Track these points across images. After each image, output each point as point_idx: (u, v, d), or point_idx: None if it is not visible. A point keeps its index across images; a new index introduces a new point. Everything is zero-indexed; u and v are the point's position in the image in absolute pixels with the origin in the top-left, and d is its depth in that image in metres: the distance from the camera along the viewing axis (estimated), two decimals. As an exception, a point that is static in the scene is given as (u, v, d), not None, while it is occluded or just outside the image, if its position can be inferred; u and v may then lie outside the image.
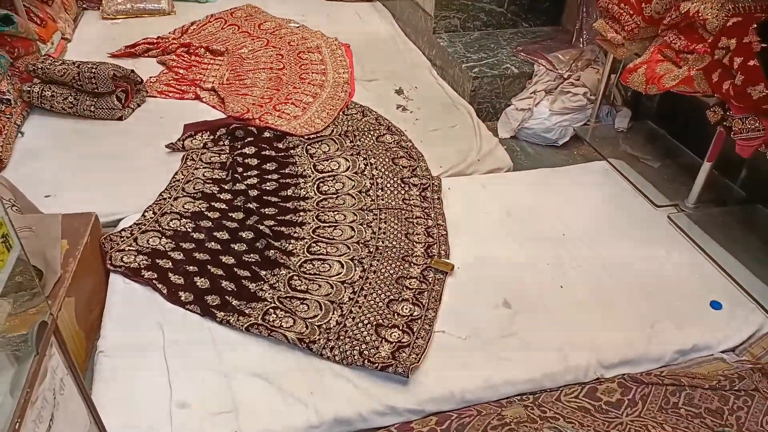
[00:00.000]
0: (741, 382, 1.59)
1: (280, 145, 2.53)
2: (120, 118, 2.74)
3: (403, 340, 1.65)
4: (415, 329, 1.69)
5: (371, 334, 1.66)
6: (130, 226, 2.02)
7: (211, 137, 2.57)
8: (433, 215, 2.15)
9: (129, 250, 1.91)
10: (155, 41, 3.47)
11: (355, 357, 1.58)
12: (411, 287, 1.84)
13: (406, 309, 1.76)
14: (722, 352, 1.71)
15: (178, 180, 2.30)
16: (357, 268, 1.91)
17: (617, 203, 2.30)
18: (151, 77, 3.12)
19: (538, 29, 3.51)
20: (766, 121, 1.74)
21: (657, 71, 2.11)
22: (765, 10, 1.79)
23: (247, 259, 1.93)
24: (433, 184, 2.31)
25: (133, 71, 2.83)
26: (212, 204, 2.17)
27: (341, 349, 1.60)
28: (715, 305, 1.84)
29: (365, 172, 2.37)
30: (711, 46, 1.85)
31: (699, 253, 2.05)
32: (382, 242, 2.02)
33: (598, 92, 2.80)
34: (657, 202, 2.29)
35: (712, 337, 1.73)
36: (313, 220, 2.12)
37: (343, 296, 1.80)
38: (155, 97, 2.97)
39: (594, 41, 2.81)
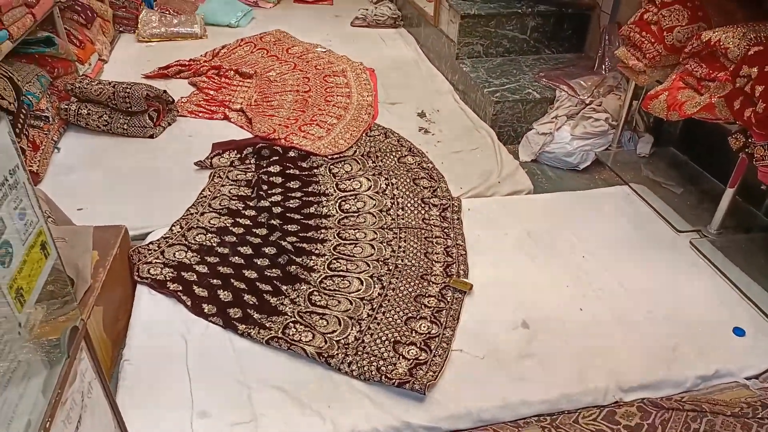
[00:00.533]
0: (764, 410, 1.56)
1: (304, 165, 2.59)
2: (151, 136, 2.84)
3: (421, 358, 1.66)
4: (432, 347, 1.70)
5: (389, 351, 1.68)
6: (158, 240, 2.08)
7: (238, 156, 2.64)
8: (452, 235, 2.18)
9: (156, 262, 1.97)
10: (187, 63, 3.60)
11: (373, 372, 1.60)
12: (429, 305, 1.86)
13: (424, 327, 1.78)
14: (745, 378, 1.69)
15: (205, 196, 2.37)
16: (376, 285, 1.93)
17: (639, 228, 2.30)
18: (182, 98, 3.23)
19: (560, 56, 3.55)
20: (788, 148, 1.73)
21: (678, 98, 2.12)
22: (787, 38, 1.80)
23: (269, 273, 1.98)
24: (453, 204, 2.33)
25: (165, 92, 2.94)
26: (237, 220, 2.23)
27: (359, 365, 1.62)
28: (738, 332, 1.82)
29: (386, 192, 2.41)
30: (732, 74, 1.86)
31: (722, 279, 2.03)
32: (402, 260, 2.05)
33: (619, 118, 2.81)
34: (679, 228, 2.28)
35: (734, 364, 1.71)
36: (334, 238, 2.16)
37: (362, 312, 1.82)
38: (186, 116, 3.07)
39: (616, 68, 2.83)
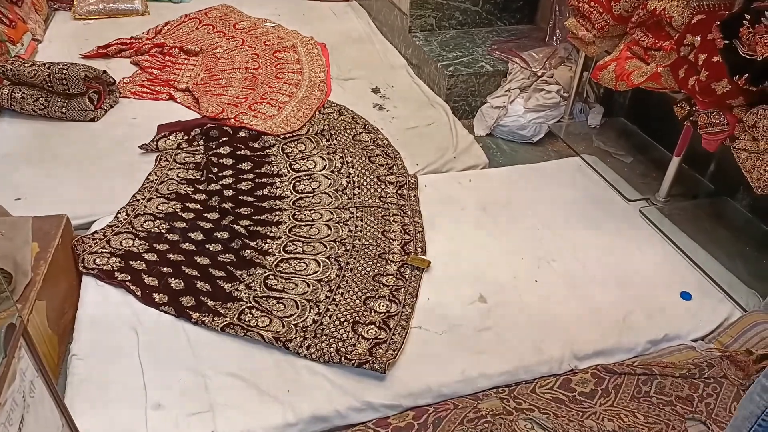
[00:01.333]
0: (710, 369, 1.63)
1: (256, 145, 2.52)
2: (92, 120, 2.70)
3: (380, 337, 1.66)
4: (392, 326, 1.70)
5: (348, 332, 1.67)
6: (103, 228, 2.00)
7: (186, 138, 2.55)
8: (409, 212, 2.16)
9: (102, 252, 1.89)
10: (128, 42, 3.43)
11: (332, 354, 1.58)
12: (388, 284, 1.85)
13: (383, 306, 1.77)
14: (692, 341, 1.75)
15: (152, 181, 2.28)
16: (333, 267, 1.91)
17: (590, 198, 2.34)
18: (124, 78, 3.08)
19: (512, 28, 3.55)
20: (730, 116, 1.78)
21: (626, 68, 2.15)
22: (728, 7, 1.84)
23: (222, 259, 1.92)
24: (409, 181, 2.32)
25: (105, 72, 2.80)
26: (186, 205, 2.16)
27: (318, 347, 1.61)
28: (685, 296, 1.88)
29: (342, 171, 2.37)
30: (677, 44, 1.89)
31: (670, 245, 2.09)
32: (359, 240, 2.03)
33: (571, 89, 2.84)
34: (629, 197, 2.34)
35: (682, 327, 1.77)
36: (289, 219, 2.12)
37: (320, 294, 1.80)
38: (128, 98, 2.93)
39: (566, 39, 2.85)
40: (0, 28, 2.92)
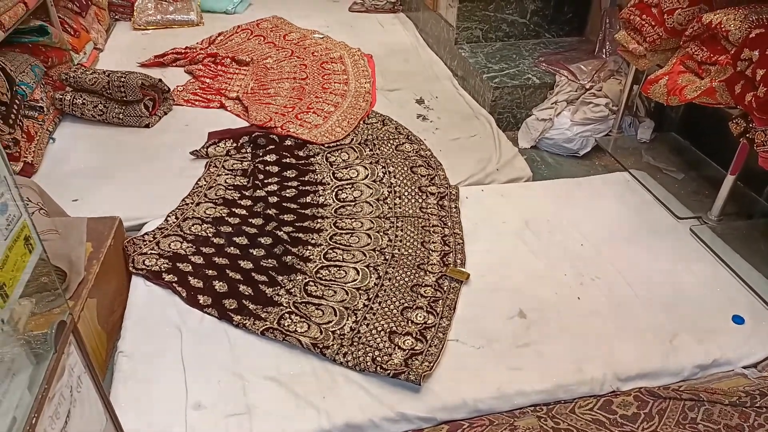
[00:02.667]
0: (762, 399, 1.55)
1: (301, 153, 2.57)
2: (147, 126, 2.82)
3: (417, 348, 1.65)
4: (428, 337, 1.69)
5: (385, 341, 1.67)
6: (153, 231, 2.07)
7: (234, 145, 2.62)
8: (449, 224, 2.16)
9: (151, 253, 1.96)
10: (183, 51, 3.56)
11: (368, 363, 1.59)
12: (426, 295, 1.84)
13: (420, 317, 1.76)
14: (743, 367, 1.67)
15: (201, 186, 2.35)
16: (372, 275, 1.92)
17: (638, 215, 2.27)
18: (178, 86, 3.20)
19: (560, 40, 3.50)
20: (790, 133, 1.70)
21: (679, 82, 2.09)
22: (790, 20, 1.76)
23: (264, 264, 1.96)
24: (450, 193, 2.31)
25: (160, 80, 2.91)
26: (233, 210, 2.21)
27: (354, 355, 1.61)
28: (737, 320, 1.80)
29: (383, 181, 2.39)
30: (733, 58, 1.82)
31: (722, 266, 2.01)
32: (398, 250, 2.03)
33: (620, 103, 2.78)
34: (679, 215, 2.26)
35: (733, 353, 1.69)
36: (331, 227, 2.15)
37: (358, 303, 1.81)
38: (182, 105, 3.04)
39: (616, 52, 2.79)
40: (65, 37, 3.09)
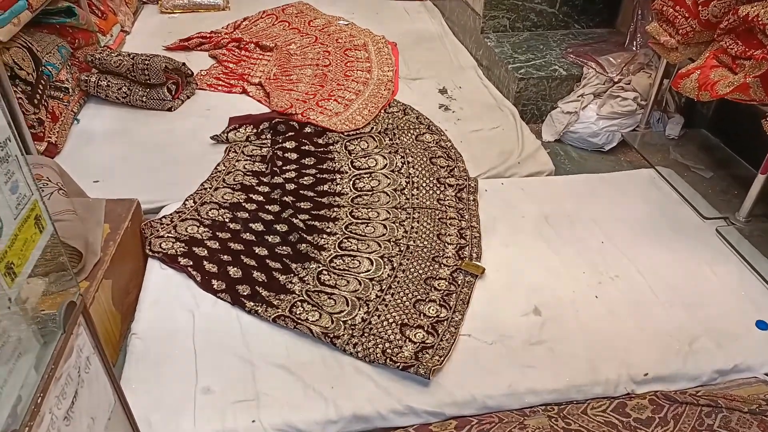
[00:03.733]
0: (784, 408, 1.50)
1: (320, 141, 2.56)
2: (170, 109, 2.83)
3: (428, 342, 1.64)
4: (440, 331, 1.67)
5: (395, 333, 1.66)
6: (171, 214, 2.08)
7: (254, 131, 2.62)
8: (467, 216, 2.12)
9: (168, 236, 1.97)
10: (208, 36, 3.57)
11: (378, 355, 1.58)
12: (439, 288, 1.82)
13: (433, 310, 1.74)
14: (765, 374, 1.62)
15: (220, 171, 2.36)
16: (386, 266, 1.90)
17: (663, 213, 2.21)
18: (201, 70, 3.21)
19: (590, 31, 3.41)
20: (827, 133, 1.62)
21: (711, 77, 2.01)
22: (832, 14, 1.68)
23: (279, 251, 1.96)
24: (469, 185, 2.28)
25: (184, 64, 2.92)
26: (250, 196, 2.21)
27: (364, 346, 1.60)
28: (761, 325, 1.74)
29: (402, 171, 2.36)
30: (770, 52, 1.75)
31: (747, 269, 1.94)
32: (414, 241, 2.01)
33: (649, 97, 2.70)
34: (705, 214, 2.19)
35: (755, 359, 1.64)
36: (347, 216, 2.13)
37: (371, 293, 1.80)
38: (204, 89, 3.05)
39: (647, 45, 2.70)
40: (92, 19, 3.11)
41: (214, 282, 1.83)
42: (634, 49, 3.00)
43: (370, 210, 2.16)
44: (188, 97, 2.95)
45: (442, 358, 1.58)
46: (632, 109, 2.71)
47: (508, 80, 2.99)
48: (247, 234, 2.03)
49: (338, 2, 4.19)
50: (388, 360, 1.56)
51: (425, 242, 2.01)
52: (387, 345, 1.62)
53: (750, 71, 1.86)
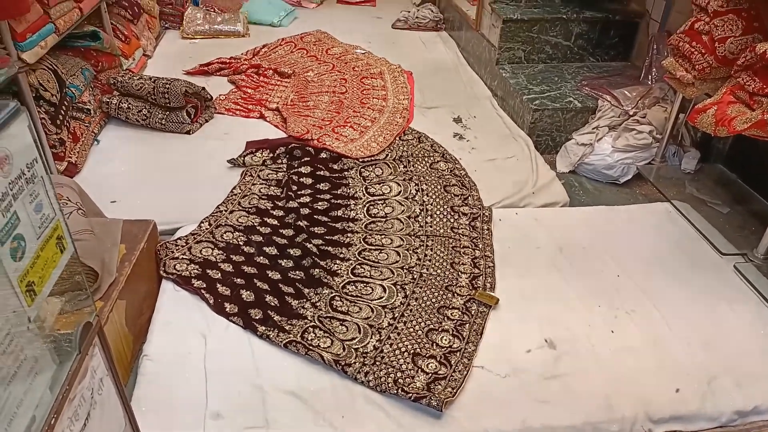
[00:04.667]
0: (807, 453, 1.45)
1: (335, 167, 2.57)
2: (188, 132, 2.87)
3: (440, 372, 1.61)
4: (453, 362, 1.65)
5: (408, 363, 1.64)
6: (186, 236, 2.10)
7: (271, 155, 2.64)
8: (481, 246, 2.12)
9: (182, 258, 1.98)
10: (228, 61, 3.64)
11: (389, 384, 1.56)
12: (452, 318, 1.81)
13: (446, 340, 1.72)
14: (787, 418, 1.58)
15: (236, 194, 2.38)
16: (399, 294, 1.89)
17: (679, 248, 2.18)
18: (220, 95, 3.26)
19: (605, 64, 3.44)
20: None
21: (728, 113, 2.01)
22: None
23: (292, 275, 1.96)
24: (483, 214, 2.27)
25: (204, 88, 2.97)
26: (265, 219, 2.22)
27: (376, 375, 1.59)
28: (782, 366, 1.70)
29: (416, 198, 2.37)
30: (789, 89, 1.75)
31: (766, 307, 1.91)
32: (427, 269, 2.00)
33: (664, 131, 2.70)
34: (723, 250, 2.16)
35: (776, 401, 1.60)
36: (360, 242, 2.13)
37: (383, 321, 1.79)
38: (223, 114, 3.09)
39: (663, 79, 2.72)
40: (116, 43, 3.19)
41: (226, 305, 1.83)
42: (649, 83, 3.01)
43: (383, 236, 2.16)
44: (207, 121, 3.00)
45: (454, 390, 1.56)
46: (647, 143, 2.71)
47: (523, 111, 3.01)
48: (261, 257, 2.04)
49: (355, 32, 4.26)
50: (399, 390, 1.54)
51: (438, 270, 2.00)
52: (399, 375, 1.60)
53: (768, 108, 1.86)
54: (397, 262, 2.04)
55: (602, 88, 3.00)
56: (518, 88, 3.11)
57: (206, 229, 2.16)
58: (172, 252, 2.00)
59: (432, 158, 2.64)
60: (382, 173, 2.55)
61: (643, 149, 2.72)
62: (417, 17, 4.50)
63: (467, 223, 2.24)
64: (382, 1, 5.17)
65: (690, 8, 2.33)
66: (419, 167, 2.58)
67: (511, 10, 3.33)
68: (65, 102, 2.49)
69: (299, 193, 2.38)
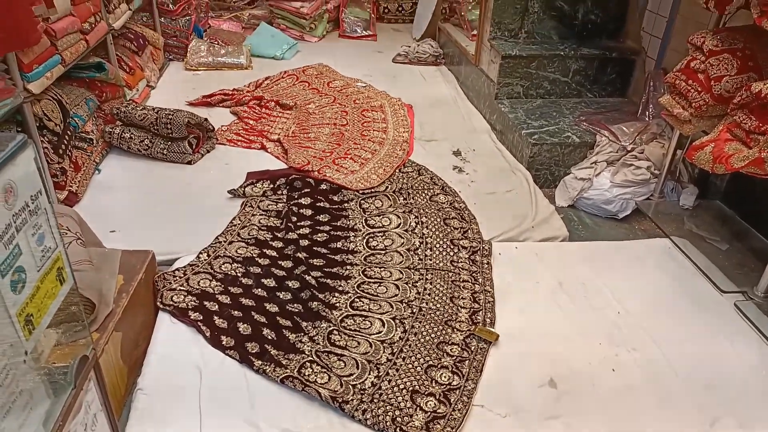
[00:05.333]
0: (814, 498, 1.42)
1: (335, 198, 2.58)
2: (189, 163, 2.89)
3: (439, 411, 1.59)
4: (452, 400, 1.63)
5: (406, 401, 1.61)
6: (184, 267, 2.08)
7: (271, 186, 2.65)
8: (481, 280, 2.11)
9: (180, 289, 1.97)
10: (230, 93, 3.68)
11: (387, 423, 1.53)
12: (452, 354, 1.79)
13: (445, 377, 1.70)
14: (793, 461, 1.55)
15: (235, 225, 2.38)
16: (398, 328, 1.88)
17: (679, 285, 2.18)
18: (222, 126, 3.29)
19: (602, 100, 3.48)
20: None
21: (725, 150, 2.03)
22: None
23: (290, 308, 1.94)
24: (483, 248, 2.27)
25: (206, 119, 3.00)
26: (264, 251, 2.22)
27: (374, 413, 1.56)
28: (786, 407, 1.68)
29: (415, 231, 2.37)
30: (785, 129, 1.77)
31: (769, 346, 1.90)
32: (426, 303, 1.99)
33: (662, 167, 2.72)
34: (723, 288, 2.16)
35: (781, 443, 1.57)
36: (359, 275, 2.12)
37: (381, 356, 1.77)
38: (224, 144, 3.12)
39: (660, 115, 2.75)
40: (120, 74, 3.23)
41: (223, 338, 1.81)
42: (646, 119, 3.05)
43: (383, 269, 2.15)
44: (208, 152, 3.02)
45: (454, 429, 1.53)
46: (646, 178, 2.72)
47: (522, 145, 3.03)
48: (259, 290, 2.02)
49: (357, 65, 4.33)
50: (398, 429, 1.51)
51: (438, 305, 1.99)
52: (397, 413, 1.57)
53: (764, 146, 1.88)
54: (396, 295, 2.03)
55: (600, 124, 3.04)
56: (517, 122, 3.14)
57: (205, 260, 2.15)
58: (170, 283, 1.99)
59: (432, 191, 2.65)
60: (382, 205, 2.55)
61: (642, 185, 2.73)
62: (417, 52, 4.58)
63: (467, 256, 2.24)
64: (382, 36, 5.27)
65: (685, 47, 2.38)
66: (419, 200, 2.59)
67: (510, 47, 3.40)
68: (68, 132, 2.51)
69: (299, 224, 2.38)
